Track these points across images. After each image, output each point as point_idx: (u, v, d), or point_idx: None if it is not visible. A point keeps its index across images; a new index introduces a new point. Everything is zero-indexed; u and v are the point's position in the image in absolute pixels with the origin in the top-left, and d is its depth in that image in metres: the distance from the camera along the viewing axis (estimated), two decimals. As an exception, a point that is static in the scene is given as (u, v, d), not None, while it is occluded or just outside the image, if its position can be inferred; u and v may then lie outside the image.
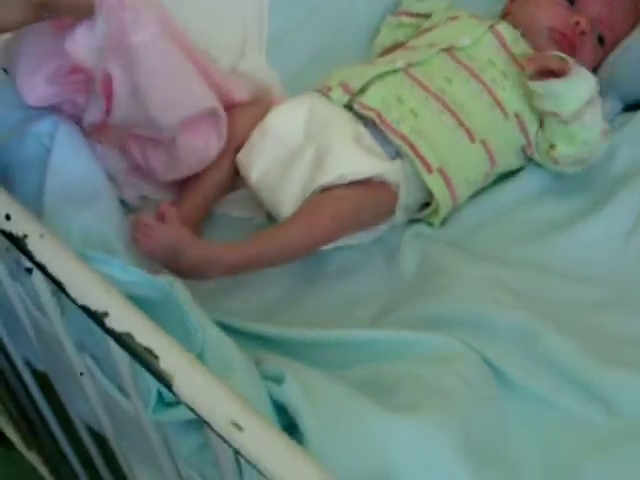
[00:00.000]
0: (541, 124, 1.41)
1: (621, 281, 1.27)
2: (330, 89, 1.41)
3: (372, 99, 1.37)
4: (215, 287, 1.25)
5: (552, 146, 1.39)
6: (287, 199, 1.28)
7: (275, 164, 1.32)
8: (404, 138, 1.33)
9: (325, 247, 1.26)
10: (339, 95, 1.40)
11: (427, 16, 1.59)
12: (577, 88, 1.34)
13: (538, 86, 1.35)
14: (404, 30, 1.61)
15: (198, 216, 1.35)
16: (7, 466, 1.74)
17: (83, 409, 1.16)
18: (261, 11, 1.68)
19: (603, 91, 1.41)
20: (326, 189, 1.25)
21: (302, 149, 1.31)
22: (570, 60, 1.34)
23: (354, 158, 1.29)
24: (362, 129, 1.35)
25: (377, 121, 1.34)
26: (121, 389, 1.03)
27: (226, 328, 1.04)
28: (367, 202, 1.27)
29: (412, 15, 1.62)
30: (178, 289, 0.98)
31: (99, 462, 1.23)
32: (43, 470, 1.61)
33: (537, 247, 1.33)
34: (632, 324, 1.19)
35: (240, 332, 1.11)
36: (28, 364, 1.30)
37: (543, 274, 1.28)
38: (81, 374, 1.06)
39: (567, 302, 1.23)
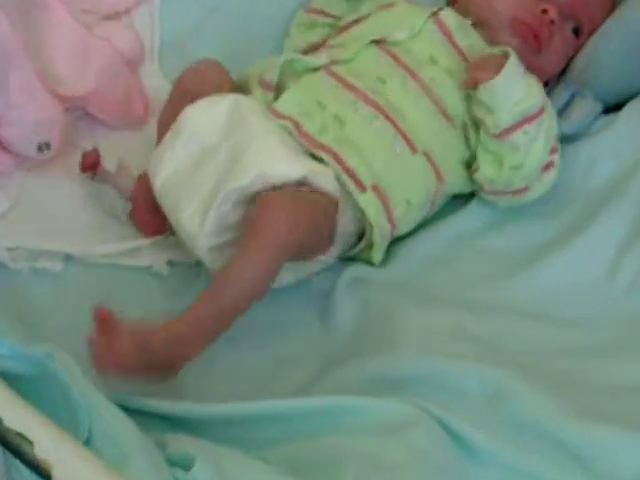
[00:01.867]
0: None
1: (605, 321, 1.30)
2: (250, 90, 1.41)
3: (286, 105, 1.37)
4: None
5: (476, 166, 1.42)
6: (191, 204, 1.27)
7: (185, 166, 1.31)
8: (328, 149, 1.33)
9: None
10: (260, 94, 1.40)
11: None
12: (507, 96, 1.35)
13: (477, 93, 1.38)
14: (319, 31, 1.61)
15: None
16: None
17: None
18: (152, 12, 1.68)
19: (579, 90, 1.45)
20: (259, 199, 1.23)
21: (216, 148, 1.30)
22: (512, 58, 1.36)
23: (277, 156, 1.27)
24: (286, 132, 1.34)
25: (294, 132, 1.34)
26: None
27: (124, 408, 1.04)
28: (316, 205, 1.25)
29: (328, 15, 1.62)
30: (60, 361, 1.00)
31: None
32: None
33: (503, 285, 1.36)
34: (620, 371, 1.21)
35: (140, 411, 1.10)
36: None
37: (511, 317, 1.31)
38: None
39: (541, 349, 1.26)
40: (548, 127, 1.38)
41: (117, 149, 1.47)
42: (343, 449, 1.04)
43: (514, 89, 1.35)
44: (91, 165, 1.40)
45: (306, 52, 1.55)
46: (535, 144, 1.37)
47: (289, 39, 1.64)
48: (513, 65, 1.35)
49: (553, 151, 1.40)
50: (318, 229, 1.24)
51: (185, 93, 1.38)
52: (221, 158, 1.28)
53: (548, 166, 1.40)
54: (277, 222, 1.18)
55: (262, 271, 1.19)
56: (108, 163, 1.42)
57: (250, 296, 1.19)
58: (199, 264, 1.34)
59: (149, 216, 1.39)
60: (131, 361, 1.11)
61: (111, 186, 1.42)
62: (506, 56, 1.36)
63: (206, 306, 1.17)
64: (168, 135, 1.34)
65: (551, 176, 1.40)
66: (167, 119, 1.38)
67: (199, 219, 1.25)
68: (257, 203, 1.21)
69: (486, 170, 1.39)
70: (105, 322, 1.11)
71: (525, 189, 1.41)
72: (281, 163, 1.26)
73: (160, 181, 1.32)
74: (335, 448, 1.04)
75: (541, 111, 1.37)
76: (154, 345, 1.12)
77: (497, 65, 1.35)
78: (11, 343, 1.00)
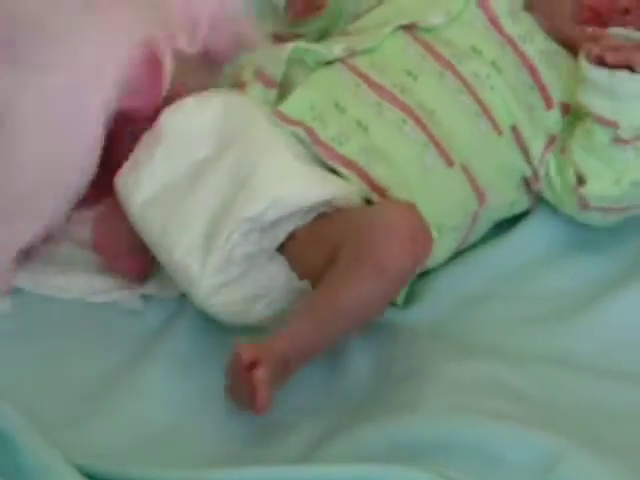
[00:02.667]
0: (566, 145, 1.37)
1: None
2: (244, 84, 1.34)
3: (297, 107, 1.29)
4: (66, 413, 1.19)
5: (582, 180, 1.31)
6: (186, 234, 1.20)
7: (171, 184, 1.24)
8: (350, 163, 1.25)
9: None
10: (259, 91, 1.32)
11: None
12: None
13: (602, 75, 1.27)
14: None
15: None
16: None
17: None
18: None
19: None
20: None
21: (212, 165, 1.24)
22: None
23: (293, 175, 1.21)
24: (295, 140, 1.29)
25: (308, 140, 1.27)
26: None
27: (86, 475, 1.00)
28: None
29: None
30: (6, 416, 1.00)
31: None
32: None
33: (554, 330, 1.28)
34: None
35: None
36: None
37: (563, 370, 1.23)
38: None
39: (604, 410, 1.17)
40: None
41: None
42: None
43: None
44: None
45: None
46: None
47: None
48: None
49: None
50: None
51: None
52: (221, 176, 1.22)
53: None
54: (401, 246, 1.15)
55: (380, 301, 1.17)
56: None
57: (362, 324, 1.19)
58: (182, 297, 1.30)
59: (119, 258, 1.33)
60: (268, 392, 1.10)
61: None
62: None
63: (311, 330, 1.14)
64: (144, 144, 1.26)
65: None
66: None
67: (199, 254, 1.19)
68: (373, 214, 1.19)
69: (598, 185, 1.30)
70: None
71: (632, 207, 1.35)
72: (300, 185, 1.20)
73: (139, 202, 1.24)
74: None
75: None
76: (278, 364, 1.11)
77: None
78: None
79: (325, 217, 1.21)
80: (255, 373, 1.09)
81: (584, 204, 1.32)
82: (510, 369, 1.21)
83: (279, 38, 1.50)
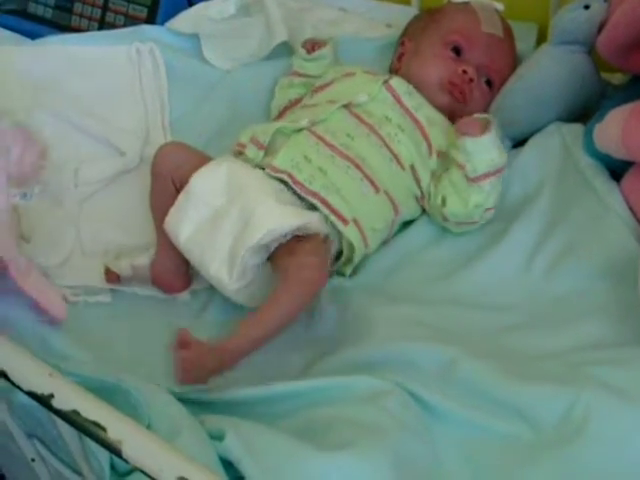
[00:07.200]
0: (437, 179, 1.55)
1: (528, 302, 1.38)
2: (244, 146, 1.52)
3: (281, 161, 1.46)
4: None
5: (444, 201, 1.50)
6: (216, 259, 1.38)
7: (201, 225, 1.41)
8: (316, 195, 1.43)
9: None
10: (254, 152, 1.50)
11: (316, 77, 1.73)
12: (487, 151, 1.47)
13: (466, 144, 1.48)
14: (296, 89, 1.75)
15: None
16: None
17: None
18: (161, 95, 1.83)
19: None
20: (281, 253, 1.36)
21: (226, 210, 1.39)
22: (493, 125, 1.48)
23: (279, 213, 1.36)
24: (279, 186, 1.44)
25: (290, 182, 1.43)
26: (74, 469, 1.13)
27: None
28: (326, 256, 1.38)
29: (302, 75, 1.75)
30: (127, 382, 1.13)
31: None
32: None
33: (446, 283, 1.44)
34: (542, 340, 1.30)
35: (181, 399, 1.21)
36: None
37: (455, 307, 1.39)
38: (32, 460, 1.17)
39: (480, 329, 1.33)
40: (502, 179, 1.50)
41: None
42: (334, 417, 1.12)
43: (493, 148, 1.47)
44: (114, 279, 1.54)
45: (287, 107, 1.72)
46: (495, 190, 1.49)
47: (274, 100, 1.79)
48: (494, 131, 1.47)
49: None
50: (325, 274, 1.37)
51: (164, 177, 1.52)
52: (233, 220, 1.37)
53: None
54: (310, 281, 1.34)
55: (295, 311, 1.33)
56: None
57: (283, 327, 1.33)
58: (212, 291, 1.49)
59: (172, 287, 1.54)
60: (206, 374, 1.26)
61: (135, 283, 1.56)
62: (488, 122, 1.48)
63: (250, 334, 1.31)
64: (181, 199, 1.44)
65: (492, 213, 1.53)
66: (155, 202, 1.53)
67: (226, 270, 1.36)
68: (292, 259, 1.34)
69: (453, 207, 1.49)
70: (184, 342, 1.26)
71: (477, 221, 1.52)
72: (281, 219, 1.35)
73: (183, 240, 1.43)
74: (328, 416, 1.12)
75: (503, 168, 1.49)
76: (210, 362, 1.27)
77: (482, 126, 1.47)
78: (87, 376, 1.14)
79: (296, 238, 1.35)
80: (179, 351, 1.24)
81: (444, 218, 1.51)
82: (421, 309, 1.37)
83: (297, 74, 1.77)
